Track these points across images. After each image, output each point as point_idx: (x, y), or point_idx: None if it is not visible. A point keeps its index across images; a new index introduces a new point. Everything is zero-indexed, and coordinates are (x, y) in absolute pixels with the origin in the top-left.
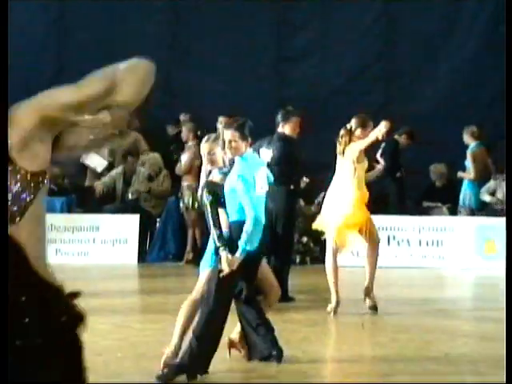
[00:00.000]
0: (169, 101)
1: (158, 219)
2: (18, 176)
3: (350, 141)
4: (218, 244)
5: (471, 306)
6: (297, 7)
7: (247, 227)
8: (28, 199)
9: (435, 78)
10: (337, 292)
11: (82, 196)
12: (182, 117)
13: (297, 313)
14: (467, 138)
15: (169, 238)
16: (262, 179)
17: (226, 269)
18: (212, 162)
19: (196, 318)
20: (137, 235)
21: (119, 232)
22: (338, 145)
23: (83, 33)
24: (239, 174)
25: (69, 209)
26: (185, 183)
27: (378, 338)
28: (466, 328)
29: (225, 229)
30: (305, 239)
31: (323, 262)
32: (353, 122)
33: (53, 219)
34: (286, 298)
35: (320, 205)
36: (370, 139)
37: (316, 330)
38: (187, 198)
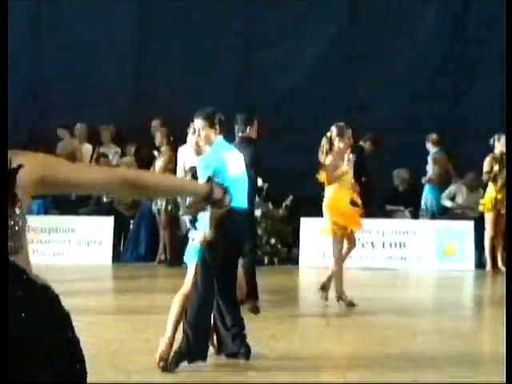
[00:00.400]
0: (140, 105)
1: (131, 221)
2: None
3: (330, 149)
4: (189, 226)
5: (431, 305)
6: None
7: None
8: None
9: (397, 86)
10: None
11: (58, 199)
12: (154, 122)
13: (265, 311)
14: (428, 145)
15: (142, 240)
16: (234, 158)
17: (198, 241)
18: (197, 153)
19: (188, 308)
20: (111, 237)
21: (94, 233)
22: (320, 153)
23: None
24: (201, 158)
25: (45, 211)
26: None
27: (341, 335)
28: (425, 326)
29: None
30: (273, 241)
31: (290, 263)
32: (332, 132)
33: (30, 221)
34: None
35: (288, 208)
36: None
37: (283, 327)
38: (160, 202)
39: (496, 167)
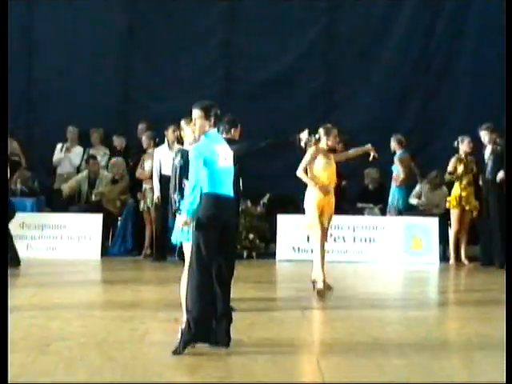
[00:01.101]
0: (126, 108)
1: (119, 218)
2: None
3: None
4: (174, 207)
5: (399, 296)
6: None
7: (188, 192)
8: None
9: (368, 91)
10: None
11: (50, 197)
12: (140, 126)
13: (244, 302)
14: (394, 146)
15: (128, 235)
16: (224, 152)
17: (180, 227)
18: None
19: (187, 294)
20: (100, 232)
21: (84, 230)
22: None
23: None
24: (194, 148)
25: (38, 208)
26: (147, 186)
27: (316, 324)
28: (393, 316)
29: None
30: (251, 236)
31: (268, 257)
32: (319, 132)
33: (24, 218)
34: None
35: (265, 205)
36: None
37: (261, 317)
38: (149, 200)
39: (460, 168)
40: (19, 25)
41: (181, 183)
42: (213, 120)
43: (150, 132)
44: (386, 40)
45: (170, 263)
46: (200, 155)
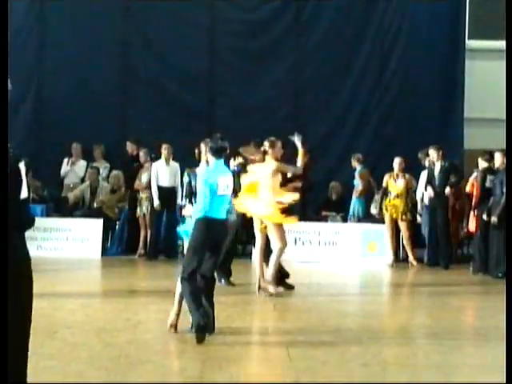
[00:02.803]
0: (121, 130)
1: (117, 223)
2: None
3: (263, 159)
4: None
5: (357, 292)
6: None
7: (194, 210)
8: None
9: (332, 117)
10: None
11: (58, 204)
12: (128, 143)
13: (223, 296)
14: (354, 163)
15: (125, 238)
16: (223, 184)
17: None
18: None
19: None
20: (100, 235)
21: (86, 232)
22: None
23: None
24: (202, 179)
25: (47, 214)
26: (143, 195)
27: (285, 316)
28: (352, 308)
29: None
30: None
31: (244, 258)
32: (264, 145)
33: (35, 222)
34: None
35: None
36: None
37: (237, 309)
38: (145, 207)
39: (390, 182)
40: (31, 51)
41: (189, 194)
42: (220, 154)
43: (146, 149)
44: (347, 74)
45: (160, 262)
46: (206, 182)
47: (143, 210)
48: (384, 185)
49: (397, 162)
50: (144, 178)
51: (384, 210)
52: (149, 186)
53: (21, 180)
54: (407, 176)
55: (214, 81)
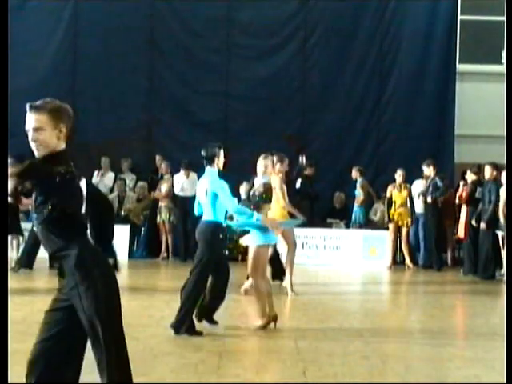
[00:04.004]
0: (147, 146)
1: (142, 229)
2: None
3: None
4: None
5: (359, 291)
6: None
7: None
8: None
9: (336, 135)
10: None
11: None
12: (158, 157)
13: (238, 294)
14: (356, 175)
15: (149, 242)
16: None
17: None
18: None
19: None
20: (127, 240)
21: (115, 237)
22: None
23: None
24: (220, 181)
25: None
26: (163, 204)
27: (294, 313)
28: (354, 306)
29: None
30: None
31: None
32: (274, 159)
33: None
34: None
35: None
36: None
37: (250, 308)
38: (164, 214)
39: (394, 193)
40: (66, 85)
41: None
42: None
43: (166, 162)
44: (350, 98)
45: (182, 263)
46: (226, 188)
47: (162, 217)
48: (388, 195)
49: (399, 174)
50: (163, 188)
51: (391, 218)
52: (167, 196)
53: (84, 197)
54: (408, 186)
55: (228, 100)
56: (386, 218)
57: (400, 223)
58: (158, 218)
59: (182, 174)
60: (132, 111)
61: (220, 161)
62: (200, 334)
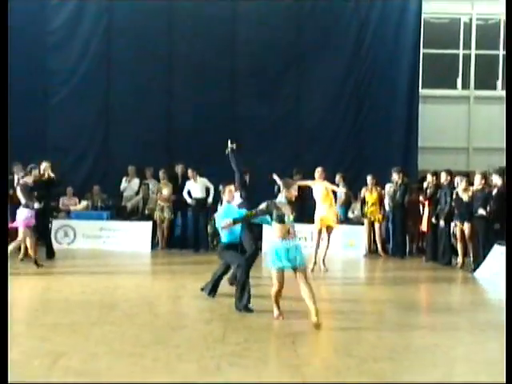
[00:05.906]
0: (166, 156)
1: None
2: None
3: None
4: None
5: (340, 276)
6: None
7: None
8: None
9: (320, 147)
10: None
11: (119, 210)
12: (177, 167)
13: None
14: (338, 179)
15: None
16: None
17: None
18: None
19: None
20: (150, 234)
21: (140, 232)
22: None
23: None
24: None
25: (111, 218)
26: (165, 204)
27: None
28: (336, 290)
29: None
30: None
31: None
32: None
33: (102, 224)
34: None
35: None
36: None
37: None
38: (165, 213)
39: (367, 194)
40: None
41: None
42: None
43: (164, 169)
44: (333, 119)
45: (199, 253)
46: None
47: (164, 214)
48: (361, 196)
49: (369, 178)
50: (165, 191)
51: (364, 215)
52: (168, 198)
53: None
54: (378, 189)
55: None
56: (360, 215)
57: (372, 219)
58: (156, 215)
59: (192, 180)
60: (153, 129)
61: None
62: (251, 311)
